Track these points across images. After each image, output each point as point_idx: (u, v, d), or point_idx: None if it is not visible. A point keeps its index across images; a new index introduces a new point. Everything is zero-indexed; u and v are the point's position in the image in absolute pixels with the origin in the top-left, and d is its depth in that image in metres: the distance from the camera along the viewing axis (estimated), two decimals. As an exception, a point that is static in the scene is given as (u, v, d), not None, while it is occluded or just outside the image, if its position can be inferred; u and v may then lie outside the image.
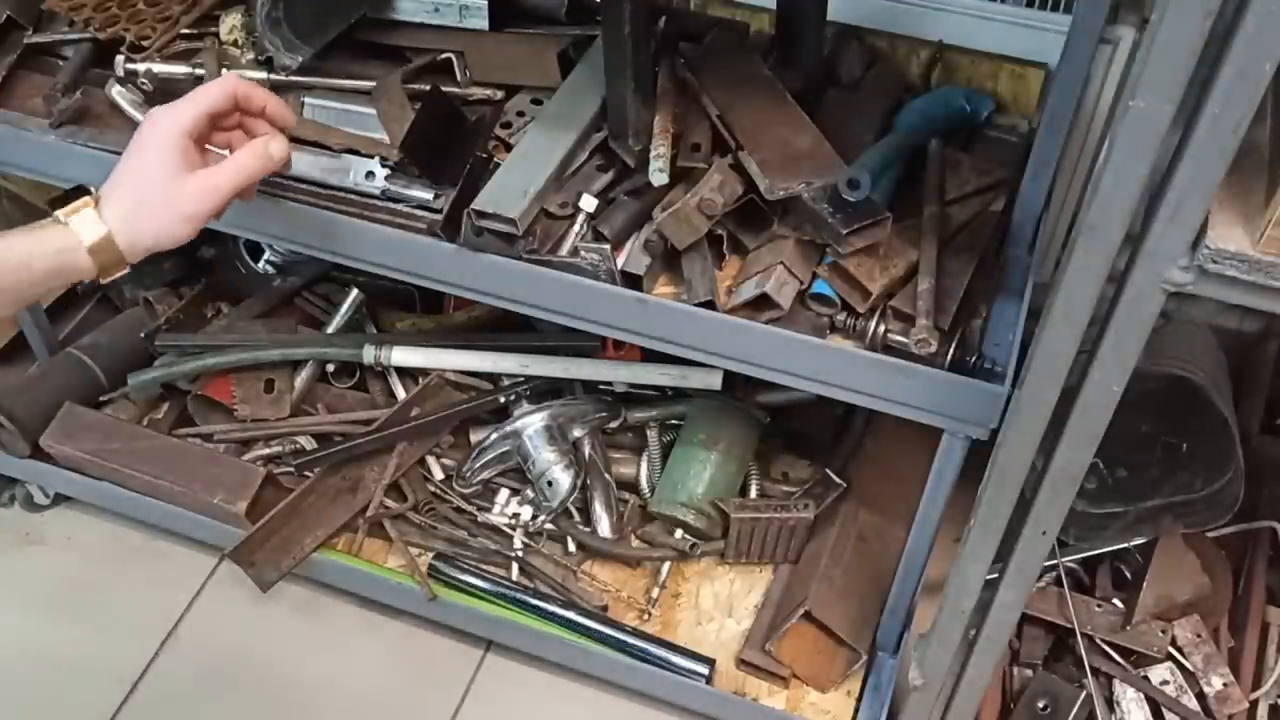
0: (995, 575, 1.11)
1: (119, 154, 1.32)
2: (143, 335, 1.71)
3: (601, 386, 1.66)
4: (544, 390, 1.65)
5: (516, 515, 1.62)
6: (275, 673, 1.64)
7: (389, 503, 1.62)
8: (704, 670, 1.49)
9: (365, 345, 1.64)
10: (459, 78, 1.38)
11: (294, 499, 1.56)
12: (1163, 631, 1.42)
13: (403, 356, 1.64)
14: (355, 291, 1.72)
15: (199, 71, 1.38)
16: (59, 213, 1.02)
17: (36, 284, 1.02)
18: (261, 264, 1.83)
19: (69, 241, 1.01)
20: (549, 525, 1.60)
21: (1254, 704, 1.39)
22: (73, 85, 1.40)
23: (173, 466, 1.62)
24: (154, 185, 1.04)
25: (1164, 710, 1.40)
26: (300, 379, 1.70)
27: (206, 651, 1.67)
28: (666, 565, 1.59)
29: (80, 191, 1.02)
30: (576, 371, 1.60)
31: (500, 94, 1.36)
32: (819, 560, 1.51)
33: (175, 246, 1.07)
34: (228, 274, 1.85)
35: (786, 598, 1.53)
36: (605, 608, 1.56)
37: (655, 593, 1.57)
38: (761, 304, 1.17)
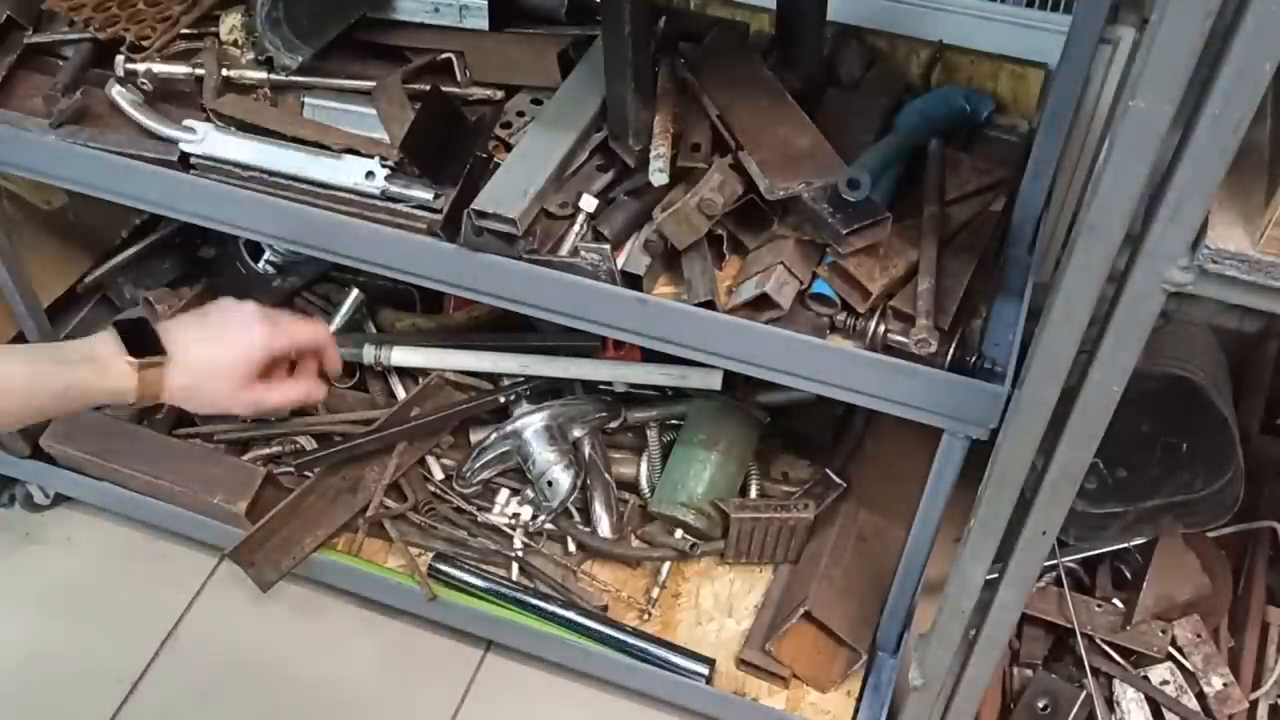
0: (995, 575, 1.11)
1: (119, 154, 1.33)
2: None
3: (601, 386, 1.66)
4: (544, 390, 1.65)
5: (516, 515, 1.62)
6: (275, 673, 1.64)
7: (389, 503, 1.62)
8: (704, 670, 1.49)
9: (365, 345, 1.64)
10: (459, 78, 1.38)
11: (294, 499, 1.56)
12: (1163, 631, 1.42)
13: (402, 356, 1.64)
14: (355, 291, 1.72)
15: (199, 71, 1.38)
16: (132, 361, 1.05)
17: (67, 407, 1.07)
18: (261, 264, 1.83)
19: (126, 388, 1.06)
20: (549, 525, 1.60)
21: (1254, 704, 1.39)
22: (73, 85, 1.39)
23: (173, 466, 1.62)
24: (219, 384, 1.12)
25: (1164, 710, 1.40)
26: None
27: (206, 651, 1.67)
28: (666, 565, 1.59)
29: (141, 322, 1.10)
30: (576, 371, 1.60)
31: (500, 94, 1.36)
32: (819, 560, 1.51)
33: None
34: (228, 274, 1.85)
35: (786, 598, 1.53)
36: (605, 608, 1.56)
37: (655, 593, 1.57)
38: (761, 304, 1.17)
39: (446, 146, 1.26)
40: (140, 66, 1.38)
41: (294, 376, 1.19)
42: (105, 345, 1.06)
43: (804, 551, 1.57)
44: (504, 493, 1.65)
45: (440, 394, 1.65)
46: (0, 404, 1.01)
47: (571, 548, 1.61)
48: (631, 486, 1.66)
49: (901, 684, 1.43)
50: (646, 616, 1.56)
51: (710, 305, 1.18)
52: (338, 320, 1.73)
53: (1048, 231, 1.58)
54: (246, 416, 1.16)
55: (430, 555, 1.60)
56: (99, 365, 1.05)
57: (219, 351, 1.11)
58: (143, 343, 1.08)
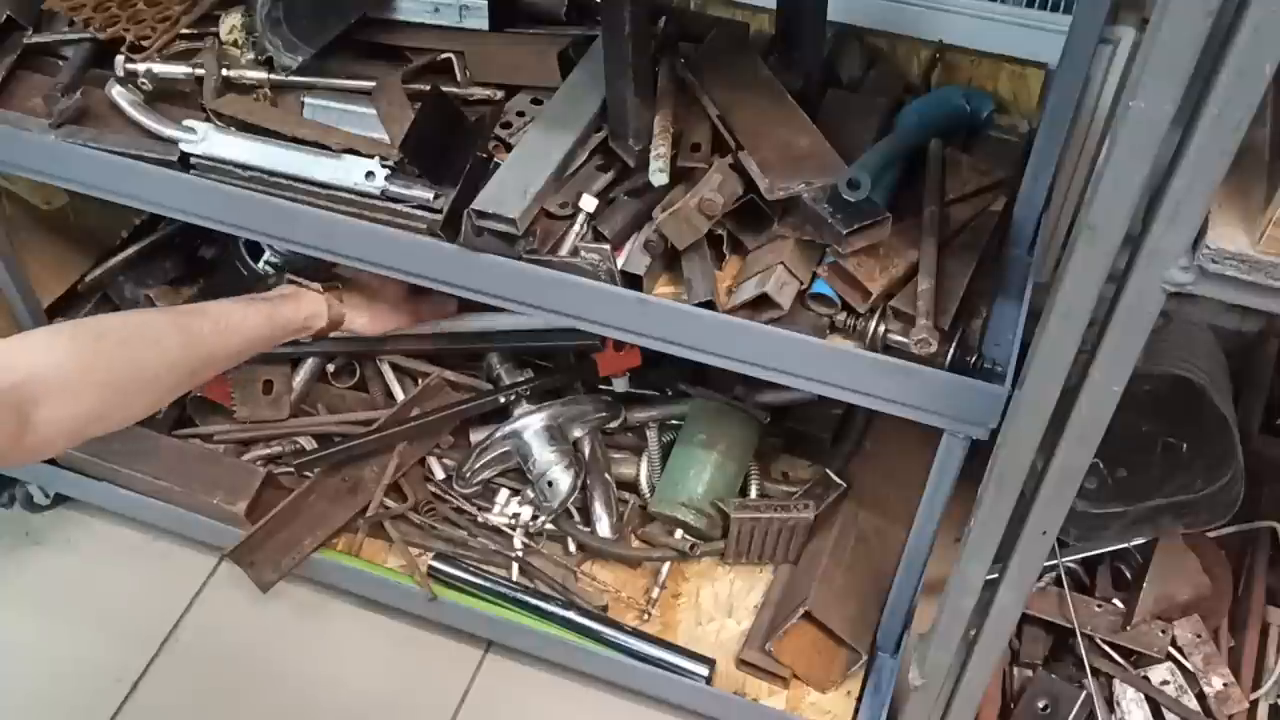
0: (995, 575, 1.11)
1: (119, 154, 1.34)
2: None
3: (601, 387, 1.66)
4: (544, 390, 1.65)
5: (516, 515, 1.62)
6: (275, 673, 1.64)
7: (389, 503, 1.62)
8: (704, 670, 1.49)
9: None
10: (459, 78, 1.38)
11: (294, 499, 1.56)
12: (1163, 631, 1.42)
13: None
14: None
15: (199, 71, 1.38)
16: (318, 288, 1.38)
17: (276, 338, 1.31)
18: (261, 264, 1.83)
19: (317, 310, 1.36)
20: (549, 525, 1.60)
21: (1254, 704, 1.39)
22: (73, 85, 1.40)
23: (173, 466, 1.62)
24: (382, 302, 1.48)
25: (1164, 710, 1.40)
26: (299, 379, 1.70)
27: (206, 651, 1.67)
28: (666, 565, 1.59)
29: (319, 266, 1.43)
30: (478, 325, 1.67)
31: (500, 94, 1.36)
32: (819, 560, 1.51)
33: None
34: (228, 273, 1.85)
35: (786, 598, 1.53)
36: (605, 608, 1.56)
37: (655, 593, 1.57)
38: (761, 304, 1.17)
39: (446, 146, 1.26)
40: (140, 66, 1.38)
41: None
42: (290, 286, 1.36)
43: (804, 551, 1.57)
44: (504, 493, 1.65)
45: (440, 394, 1.66)
46: (254, 347, 1.25)
47: (571, 548, 1.61)
48: (631, 486, 1.66)
49: (901, 684, 1.43)
50: (646, 617, 1.56)
51: (710, 305, 1.18)
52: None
53: (1048, 231, 1.58)
54: (408, 328, 1.55)
55: (430, 555, 1.60)
56: (293, 298, 1.33)
57: (375, 283, 1.44)
58: (320, 278, 1.39)
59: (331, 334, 1.40)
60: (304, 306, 1.33)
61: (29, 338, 1.01)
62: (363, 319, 1.44)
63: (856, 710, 1.47)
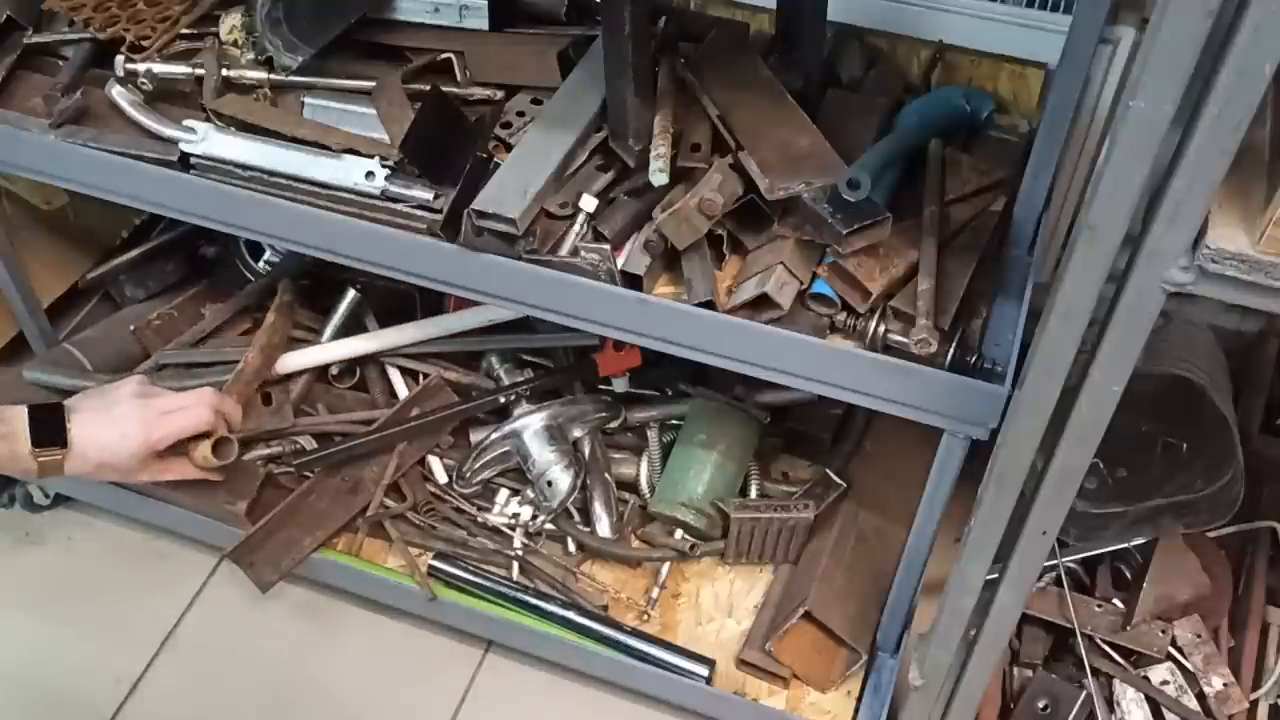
0: (995, 575, 1.11)
1: (119, 154, 1.33)
2: (131, 330, 1.72)
3: (601, 387, 1.66)
4: (544, 390, 1.65)
5: (516, 515, 1.62)
6: (275, 673, 1.64)
7: (389, 503, 1.62)
8: (704, 670, 1.49)
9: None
10: (459, 78, 1.38)
11: (294, 499, 1.56)
12: (1163, 631, 1.42)
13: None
14: (353, 292, 1.72)
15: (199, 72, 1.38)
16: (34, 452, 1.17)
17: None
18: (262, 264, 1.84)
19: (28, 468, 1.18)
20: (549, 525, 1.60)
21: (1254, 704, 1.39)
22: (73, 85, 1.40)
23: (173, 466, 1.62)
24: (108, 472, 1.24)
25: (1164, 710, 1.40)
26: (299, 380, 1.70)
27: (206, 651, 1.67)
28: (666, 565, 1.59)
29: (56, 409, 1.22)
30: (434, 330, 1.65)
31: (500, 94, 1.36)
32: (819, 560, 1.51)
33: None
34: (228, 273, 1.85)
35: (786, 598, 1.53)
36: (605, 608, 1.56)
37: (655, 593, 1.57)
38: (761, 304, 1.17)
39: (446, 146, 1.26)
40: (140, 66, 1.38)
41: (181, 458, 1.30)
42: (16, 424, 1.18)
43: (804, 551, 1.57)
44: (504, 493, 1.65)
45: (440, 394, 1.65)
46: None
47: (571, 548, 1.61)
48: (631, 486, 1.66)
49: (901, 684, 1.43)
50: (646, 617, 1.56)
51: (710, 305, 1.18)
52: (334, 321, 1.73)
53: (1048, 231, 1.58)
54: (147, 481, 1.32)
55: (430, 555, 1.60)
56: (10, 445, 1.17)
57: (107, 449, 1.23)
58: (47, 434, 1.19)
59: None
60: (17, 460, 1.18)
61: None
62: (88, 479, 1.27)
63: (856, 710, 1.47)
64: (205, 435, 1.30)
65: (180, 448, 1.29)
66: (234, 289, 1.83)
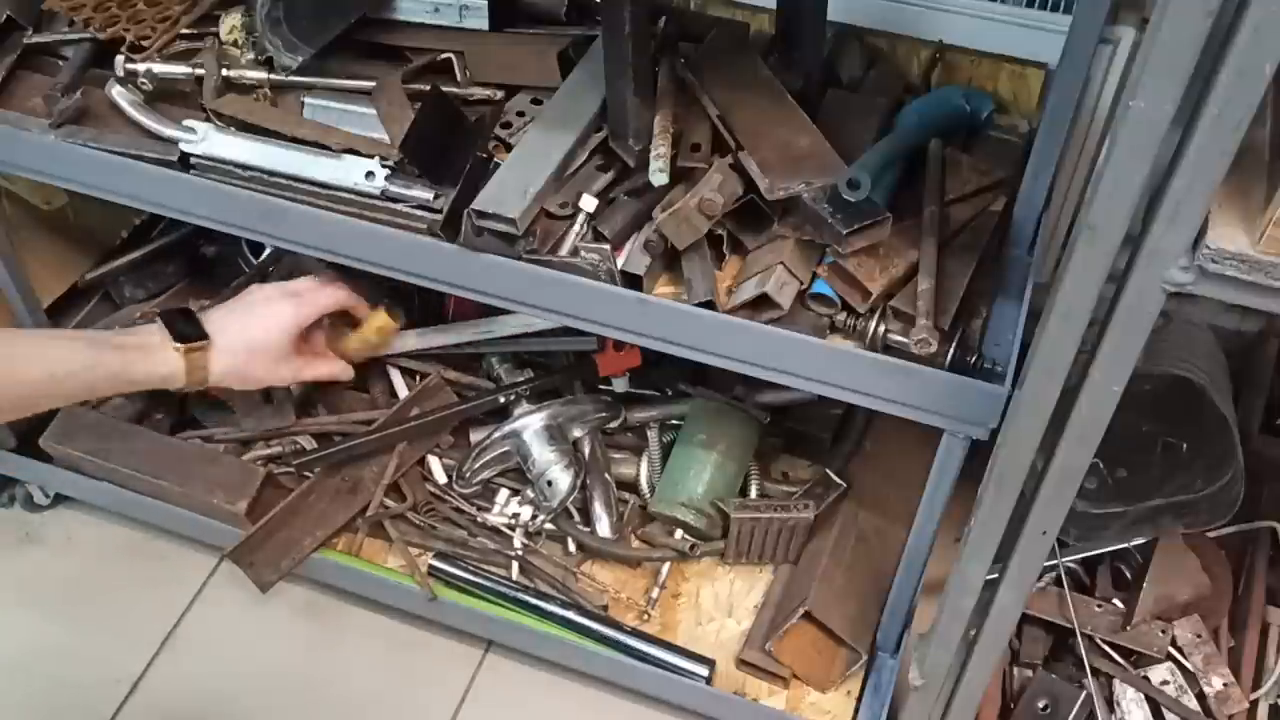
0: (995, 575, 1.11)
1: (119, 154, 1.33)
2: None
3: (601, 387, 1.66)
4: (544, 390, 1.65)
5: (516, 515, 1.62)
6: (275, 673, 1.64)
7: (389, 503, 1.62)
8: (704, 670, 1.49)
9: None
10: (459, 78, 1.38)
11: (294, 499, 1.56)
12: (1163, 631, 1.42)
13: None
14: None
15: (199, 72, 1.38)
16: (179, 346, 1.17)
17: (121, 389, 1.18)
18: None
19: (174, 371, 1.17)
20: (549, 525, 1.60)
21: (1254, 704, 1.39)
22: (73, 85, 1.39)
23: (173, 466, 1.62)
24: (258, 360, 1.25)
25: (1164, 710, 1.40)
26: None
27: (206, 651, 1.67)
28: (666, 565, 1.59)
29: (187, 311, 1.22)
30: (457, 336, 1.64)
31: (500, 94, 1.36)
32: (819, 560, 1.51)
33: None
34: (229, 273, 1.85)
35: (786, 598, 1.53)
36: (605, 608, 1.56)
37: (655, 593, 1.57)
38: (761, 304, 1.17)
39: (446, 146, 1.26)
40: (140, 66, 1.38)
41: (324, 355, 1.33)
42: (150, 334, 1.17)
43: (804, 551, 1.57)
44: (504, 493, 1.65)
45: (440, 394, 1.65)
46: (64, 385, 1.12)
47: (571, 548, 1.61)
48: (631, 486, 1.66)
49: (901, 684, 1.43)
50: (646, 617, 1.56)
51: (710, 305, 1.18)
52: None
53: (1048, 231, 1.58)
54: (290, 386, 1.33)
55: (430, 555, 1.60)
56: (148, 351, 1.16)
57: (254, 332, 1.23)
58: (187, 330, 1.18)
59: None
60: (158, 364, 1.17)
61: None
62: (232, 382, 1.26)
63: (856, 710, 1.47)
64: (344, 327, 1.31)
65: (318, 346, 1.32)
66: (218, 286, 1.83)
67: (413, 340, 1.66)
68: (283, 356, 1.25)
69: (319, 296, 1.31)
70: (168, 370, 1.16)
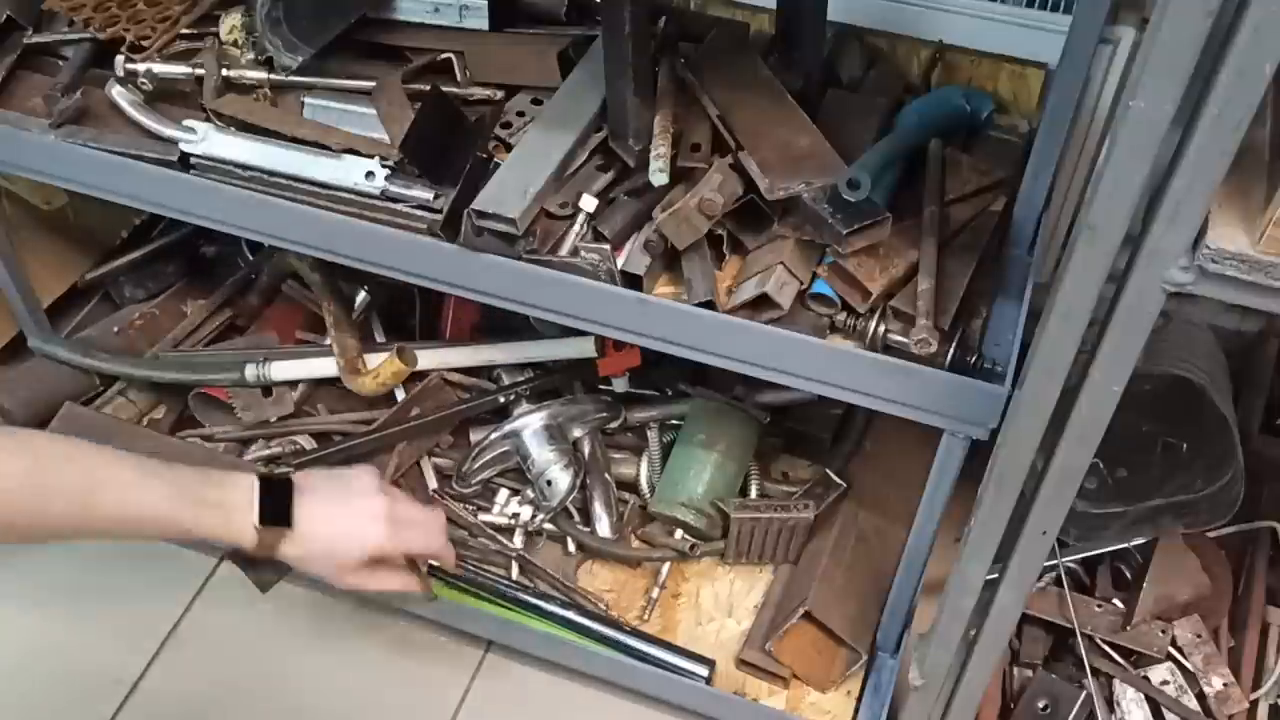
0: (995, 575, 1.11)
1: (119, 154, 1.33)
2: (115, 331, 1.74)
3: (601, 387, 1.66)
4: (544, 390, 1.65)
5: (516, 515, 1.62)
6: (275, 673, 1.64)
7: (389, 503, 1.62)
8: (704, 670, 1.49)
9: (246, 366, 1.63)
10: (459, 78, 1.38)
11: (294, 499, 1.55)
12: (1163, 631, 1.42)
13: (282, 370, 1.63)
14: (364, 293, 1.72)
15: (199, 72, 1.38)
16: (259, 528, 1.09)
17: (191, 540, 1.14)
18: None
19: (242, 542, 1.10)
20: (549, 525, 1.60)
21: (1254, 704, 1.39)
22: (73, 85, 1.40)
23: (172, 466, 1.62)
24: (327, 564, 1.16)
25: (1164, 710, 1.40)
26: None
27: (206, 652, 1.67)
28: (666, 565, 1.59)
29: (285, 483, 1.13)
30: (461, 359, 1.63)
31: (500, 94, 1.36)
32: (819, 560, 1.51)
33: None
34: (228, 273, 1.85)
35: (786, 598, 1.53)
36: (605, 607, 1.56)
37: (655, 593, 1.57)
38: (761, 304, 1.17)
39: (446, 146, 1.26)
40: (140, 66, 1.38)
41: (396, 569, 1.22)
42: (240, 494, 1.08)
43: (804, 551, 1.57)
44: (504, 493, 1.65)
45: (440, 394, 1.65)
46: (141, 529, 1.05)
47: (571, 548, 1.61)
48: (631, 486, 1.66)
49: (901, 684, 1.43)
50: (646, 617, 1.56)
51: (710, 305, 1.18)
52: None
53: (1048, 231, 1.58)
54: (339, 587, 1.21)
55: (430, 555, 1.60)
56: (227, 515, 1.08)
57: (337, 539, 1.15)
58: (276, 510, 1.10)
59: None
60: (230, 531, 1.09)
61: None
62: (295, 566, 1.18)
63: (856, 710, 1.47)
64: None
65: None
66: (213, 285, 1.83)
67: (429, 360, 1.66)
68: (352, 569, 1.17)
69: (414, 540, 1.21)
70: (235, 539, 1.09)
